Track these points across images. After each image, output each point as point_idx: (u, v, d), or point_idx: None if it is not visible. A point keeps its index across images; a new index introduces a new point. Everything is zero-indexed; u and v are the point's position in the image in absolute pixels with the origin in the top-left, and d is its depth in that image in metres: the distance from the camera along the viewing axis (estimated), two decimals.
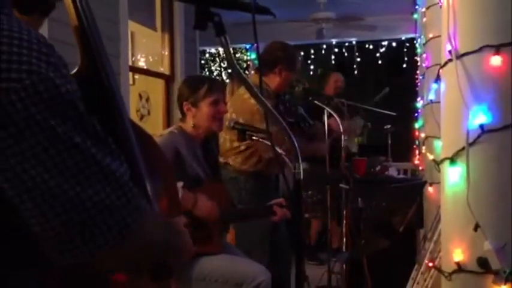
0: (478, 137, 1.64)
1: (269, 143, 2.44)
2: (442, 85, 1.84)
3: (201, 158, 2.38)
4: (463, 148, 1.67)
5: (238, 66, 1.31)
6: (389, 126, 5.20)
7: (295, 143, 1.36)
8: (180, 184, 2.06)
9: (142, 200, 0.80)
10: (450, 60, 1.72)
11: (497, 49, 1.60)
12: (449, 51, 1.72)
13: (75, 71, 0.86)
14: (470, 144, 1.65)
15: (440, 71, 1.86)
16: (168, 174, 1.15)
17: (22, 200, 0.70)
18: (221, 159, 2.85)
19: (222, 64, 9.46)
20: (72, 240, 0.72)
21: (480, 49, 1.63)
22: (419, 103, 4.36)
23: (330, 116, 3.43)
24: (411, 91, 5.67)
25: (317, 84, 4.94)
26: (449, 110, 1.80)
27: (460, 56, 1.67)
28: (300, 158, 1.34)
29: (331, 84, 4.66)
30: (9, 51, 0.68)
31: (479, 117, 1.63)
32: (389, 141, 5.24)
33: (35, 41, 0.71)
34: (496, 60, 1.61)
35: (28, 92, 0.68)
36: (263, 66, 3.02)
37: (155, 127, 4.46)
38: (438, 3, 2.01)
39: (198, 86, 2.36)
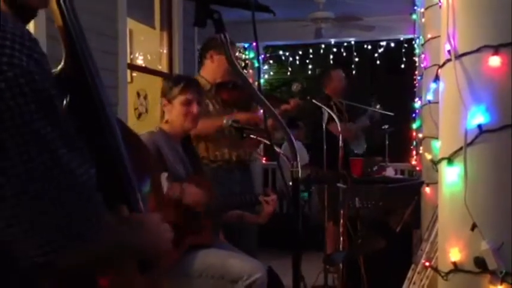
0: (476, 137, 1.64)
1: (267, 142, 2.44)
2: (441, 85, 1.84)
3: (182, 155, 2.41)
4: (461, 148, 1.67)
5: (237, 64, 1.31)
6: (387, 126, 5.21)
7: (293, 141, 1.36)
8: (164, 175, 2.08)
9: (103, 206, 0.78)
10: (449, 60, 1.72)
11: (496, 49, 1.60)
12: (448, 51, 1.72)
13: (59, 68, 0.86)
14: (468, 144, 1.65)
15: (439, 70, 1.86)
16: (153, 172, 1.15)
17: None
18: None
19: None
20: (29, 240, 0.71)
21: (479, 49, 1.63)
22: (417, 104, 4.37)
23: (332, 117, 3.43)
24: (409, 92, 5.68)
25: (317, 83, 4.89)
26: (448, 109, 1.80)
27: (459, 56, 1.68)
28: (298, 156, 1.33)
29: (335, 84, 4.50)
30: None
31: (478, 117, 1.64)
32: (387, 142, 5.25)
33: (18, 34, 0.71)
34: (494, 61, 1.61)
35: (9, 84, 0.68)
36: (199, 59, 3.05)
37: (153, 125, 4.43)
38: (437, 3, 2.01)
39: (174, 83, 2.42)
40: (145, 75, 4.60)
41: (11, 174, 0.69)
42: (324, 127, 3.55)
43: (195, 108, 2.38)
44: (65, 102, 0.82)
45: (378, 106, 4.68)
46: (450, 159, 1.71)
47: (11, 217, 0.70)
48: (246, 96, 2.95)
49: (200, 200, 2.23)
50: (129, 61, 4.10)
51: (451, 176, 1.71)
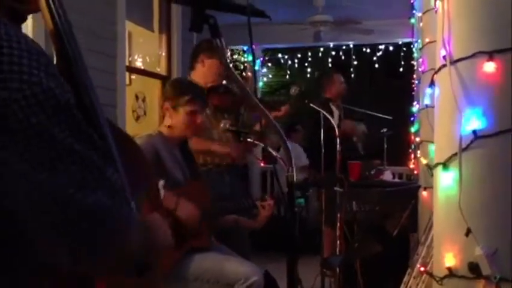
0: (471, 142, 1.65)
1: (262, 145, 2.45)
2: (436, 90, 1.85)
3: (180, 159, 2.41)
4: (456, 153, 1.68)
5: (233, 69, 1.32)
6: (385, 130, 5.21)
7: (289, 146, 1.37)
8: (161, 183, 2.07)
9: (129, 205, 0.81)
10: (444, 65, 1.73)
11: (490, 55, 1.61)
12: (444, 57, 1.73)
13: None
14: (463, 150, 1.66)
15: (435, 76, 1.87)
16: (149, 177, 1.15)
17: (23, 207, 0.70)
18: None
19: None
20: (72, 244, 0.73)
21: (474, 55, 1.64)
22: (415, 107, 4.37)
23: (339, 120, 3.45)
24: (407, 95, 5.69)
25: (316, 86, 4.91)
26: (443, 115, 1.81)
27: (454, 62, 1.69)
28: (293, 161, 1.34)
29: (337, 86, 4.55)
30: (10, 61, 0.69)
31: (472, 122, 1.64)
32: (385, 145, 5.25)
33: (33, 51, 0.72)
34: (489, 67, 1.62)
35: (29, 102, 0.69)
36: (190, 63, 3.02)
37: (151, 127, 4.45)
38: (434, 8, 2.02)
39: (182, 91, 2.40)
40: (143, 77, 4.61)
41: (47, 187, 0.70)
42: (322, 130, 3.56)
43: (199, 119, 2.39)
44: None
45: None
46: (445, 164, 1.72)
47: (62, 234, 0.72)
48: (238, 101, 2.96)
49: (193, 217, 2.20)
50: (127, 63, 4.11)
51: (446, 181, 1.72)
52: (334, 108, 4.43)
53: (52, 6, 0.85)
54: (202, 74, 2.95)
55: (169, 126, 2.39)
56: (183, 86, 2.49)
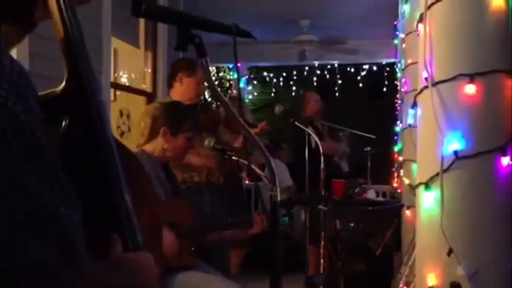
0: (452, 163, 1.67)
1: (246, 162, 2.45)
2: (418, 111, 1.88)
3: (163, 177, 2.39)
4: (438, 174, 1.70)
5: (217, 88, 1.33)
6: (369, 148, 5.26)
7: (273, 165, 1.37)
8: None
9: (82, 255, 0.73)
10: (426, 87, 1.76)
11: (471, 78, 1.64)
12: (426, 79, 1.76)
13: (61, 87, 0.83)
14: (445, 170, 1.68)
15: (417, 97, 1.90)
16: (151, 192, 1.14)
17: None
18: None
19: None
20: None
21: (455, 77, 1.67)
22: (399, 127, 4.42)
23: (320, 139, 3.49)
24: (391, 114, 5.75)
25: (296, 105, 4.97)
26: (425, 136, 1.83)
27: (435, 84, 1.72)
28: (277, 180, 1.34)
29: (312, 104, 4.63)
30: None
31: (454, 143, 1.67)
32: (369, 164, 5.29)
33: (7, 70, 0.68)
34: (470, 89, 1.65)
35: None
36: (168, 81, 3.03)
37: (135, 144, 4.43)
38: (416, 31, 2.06)
39: (182, 118, 2.39)
40: (128, 94, 4.60)
41: None
42: (306, 148, 3.58)
43: (193, 144, 2.42)
44: (64, 123, 0.79)
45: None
46: (427, 184, 1.74)
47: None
48: (215, 119, 2.99)
49: (169, 249, 2.17)
50: (112, 79, 4.10)
51: (428, 201, 1.74)
52: (316, 127, 4.47)
53: (64, 12, 0.81)
54: (180, 92, 2.96)
55: (164, 149, 2.37)
56: (182, 111, 2.48)
